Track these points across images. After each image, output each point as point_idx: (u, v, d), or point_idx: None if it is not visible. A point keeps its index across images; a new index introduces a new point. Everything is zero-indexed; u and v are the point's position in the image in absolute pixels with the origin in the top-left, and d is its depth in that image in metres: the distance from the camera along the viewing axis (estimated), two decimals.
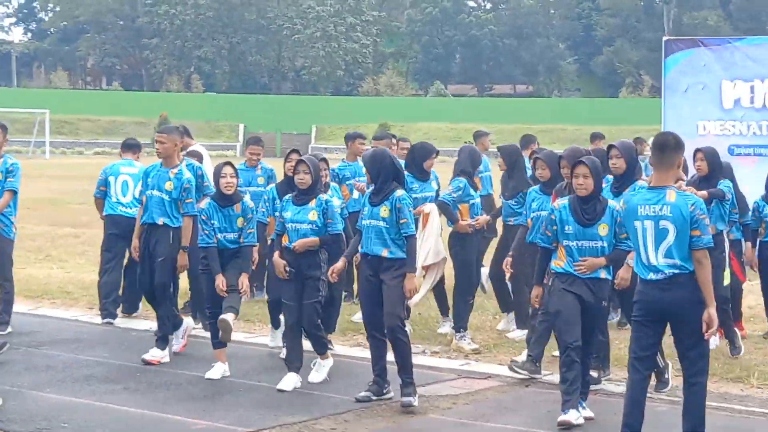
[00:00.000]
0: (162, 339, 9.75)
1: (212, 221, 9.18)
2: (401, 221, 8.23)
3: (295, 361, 8.87)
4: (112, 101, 79.22)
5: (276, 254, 8.97)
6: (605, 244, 7.94)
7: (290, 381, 8.74)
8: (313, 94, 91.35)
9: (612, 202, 8.08)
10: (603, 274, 7.99)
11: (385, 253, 8.25)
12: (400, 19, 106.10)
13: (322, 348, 9.09)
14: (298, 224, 8.83)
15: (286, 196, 9.16)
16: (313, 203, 8.86)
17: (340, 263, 8.63)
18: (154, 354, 9.69)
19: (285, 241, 8.91)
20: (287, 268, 8.78)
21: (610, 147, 9.16)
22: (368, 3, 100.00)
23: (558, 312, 7.92)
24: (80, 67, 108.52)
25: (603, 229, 7.91)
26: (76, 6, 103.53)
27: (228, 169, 9.23)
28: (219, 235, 9.21)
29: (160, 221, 9.71)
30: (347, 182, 12.32)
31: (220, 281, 9.07)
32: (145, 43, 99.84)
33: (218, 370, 9.16)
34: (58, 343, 10.50)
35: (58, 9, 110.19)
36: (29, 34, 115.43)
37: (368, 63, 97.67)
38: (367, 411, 8.13)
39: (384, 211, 8.25)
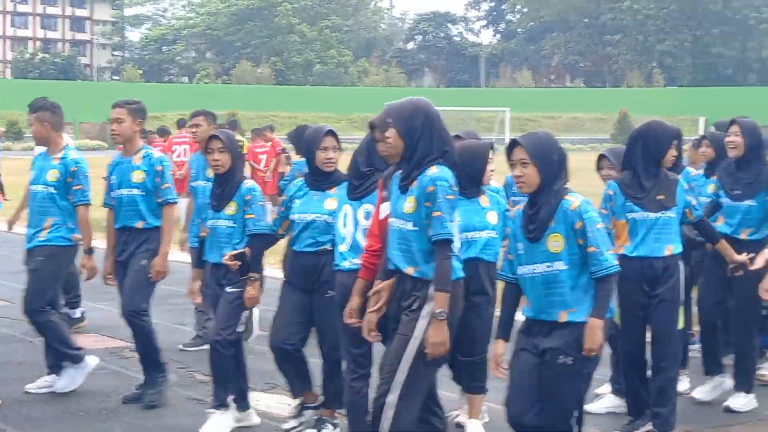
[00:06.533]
0: None
1: None
2: None
3: None
4: (572, 98, 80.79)
5: None
6: None
7: None
8: None
9: None
10: None
11: None
12: None
13: None
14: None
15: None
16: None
17: None
18: None
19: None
20: None
21: None
22: None
23: None
24: (544, 66, 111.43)
25: None
26: (542, 6, 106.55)
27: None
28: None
29: None
30: None
31: None
32: (607, 39, 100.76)
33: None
34: None
35: (525, 10, 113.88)
36: (498, 36, 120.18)
37: None
38: (759, 427, 7.27)
39: None
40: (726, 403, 7.59)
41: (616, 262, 5.13)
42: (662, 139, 6.62)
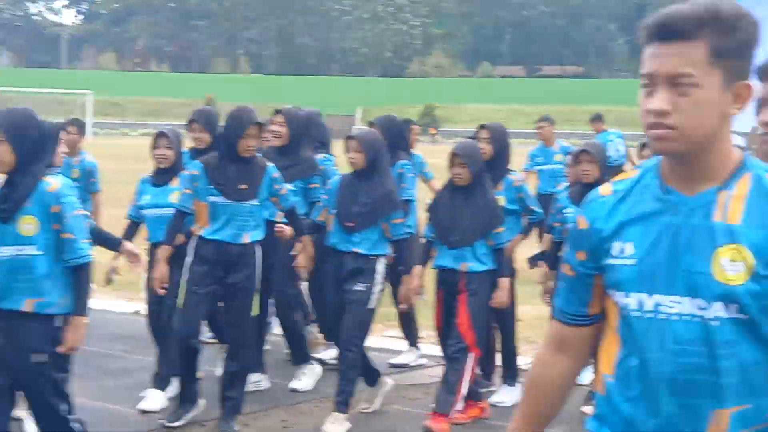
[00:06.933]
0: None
1: None
2: None
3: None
4: (158, 83, 79.61)
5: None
6: None
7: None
8: (360, 76, 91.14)
9: None
10: None
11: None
12: (450, 0, 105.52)
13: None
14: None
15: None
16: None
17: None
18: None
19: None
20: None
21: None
22: None
23: None
24: (129, 49, 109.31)
25: None
26: None
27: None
28: None
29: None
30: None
31: None
32: (194, 25, 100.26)
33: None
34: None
35: None
36: (80, 17, 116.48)
37: (417, 44, 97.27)
38: (323, 403, 7.31)
39: None
40: (291, 385, 7.76)
41: (90, 252, 4.87)
42: (236, 127, 6.55)
